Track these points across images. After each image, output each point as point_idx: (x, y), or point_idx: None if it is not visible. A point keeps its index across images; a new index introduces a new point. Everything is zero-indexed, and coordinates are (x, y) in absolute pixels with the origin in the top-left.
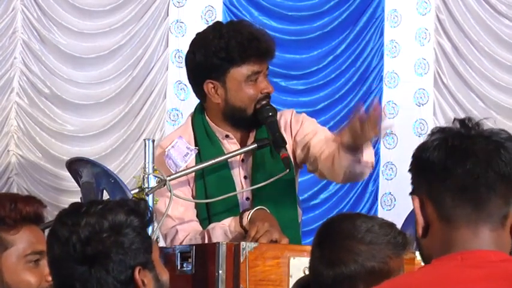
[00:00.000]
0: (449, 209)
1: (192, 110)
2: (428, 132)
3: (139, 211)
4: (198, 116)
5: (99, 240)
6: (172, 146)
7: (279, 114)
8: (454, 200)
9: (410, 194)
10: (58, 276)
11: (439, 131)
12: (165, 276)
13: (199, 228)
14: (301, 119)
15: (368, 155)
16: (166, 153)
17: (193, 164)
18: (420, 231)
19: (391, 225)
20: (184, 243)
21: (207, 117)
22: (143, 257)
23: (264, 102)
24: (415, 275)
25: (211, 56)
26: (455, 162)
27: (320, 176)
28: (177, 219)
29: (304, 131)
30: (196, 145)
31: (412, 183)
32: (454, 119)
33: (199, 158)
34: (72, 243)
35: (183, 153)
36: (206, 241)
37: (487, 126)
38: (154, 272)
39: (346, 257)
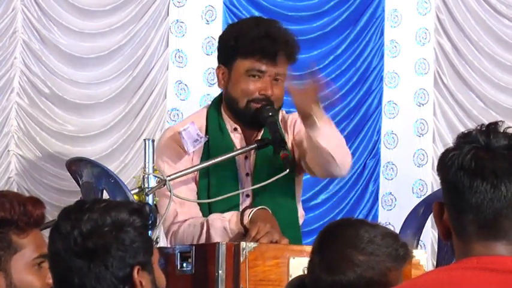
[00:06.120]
0: (463, 227)
1: (192, 110)
2: (430, 131)
3: (142, 212)
4: (215, 105)
5: (101, 235)
6: (184, 129)
7: (290, 115)
8: (468, 221)
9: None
10: (57, 272)
11: (463, 142)
12: (162, 282)
13: (200, 214)
14: None
15: (325, 140)
16: (180, 132)
17: (201, 152)
18: (441, 236)
19: (395, 236)
20: (182, 227)
21: (222, 108)
22: (143, 258)
23: (259, 103)
24: (430, 275)
25: (224, 42)
26: (472, 187)
27: (311, 173)
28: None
29: (302, 129)
30: (206, 134)
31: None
32: (481, 126)
33: (207, 147)
34: (74, 236)
35: (193, 139)
36: (204, 231)
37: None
38: (153, 275)
39: (345, 266)
